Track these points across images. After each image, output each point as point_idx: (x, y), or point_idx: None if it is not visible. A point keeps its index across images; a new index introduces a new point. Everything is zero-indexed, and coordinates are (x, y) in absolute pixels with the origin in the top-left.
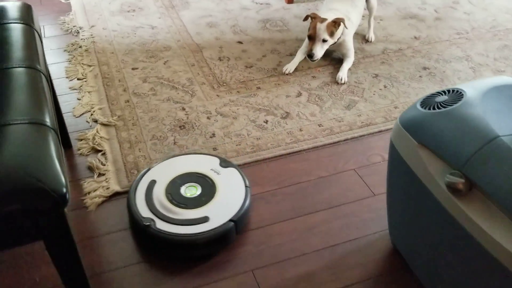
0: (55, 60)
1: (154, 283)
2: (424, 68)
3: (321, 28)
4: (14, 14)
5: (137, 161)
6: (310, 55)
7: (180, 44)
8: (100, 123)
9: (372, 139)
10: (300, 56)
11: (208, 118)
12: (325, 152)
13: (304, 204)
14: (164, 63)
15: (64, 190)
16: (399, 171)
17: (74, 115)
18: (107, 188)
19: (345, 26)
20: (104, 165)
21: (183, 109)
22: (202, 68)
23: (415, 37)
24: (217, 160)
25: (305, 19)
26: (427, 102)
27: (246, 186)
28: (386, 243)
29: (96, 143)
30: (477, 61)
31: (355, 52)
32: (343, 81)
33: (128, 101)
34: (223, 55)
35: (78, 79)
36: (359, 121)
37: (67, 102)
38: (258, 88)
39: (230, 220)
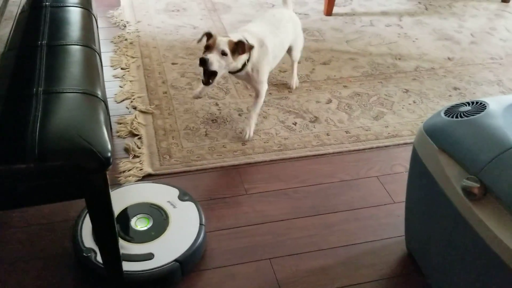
0: (102, 50)
1: None
2: (455, 88)
3: (223, 40)
4: None
5: (169, 147)
6: (203, 61)
7: None
8: (138, 110)
9: (397, 150)
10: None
11: (239, 115)
12: (350, 158)
13: (325, 203)
14: None
15: (109, 153)
16: (419, 174)
17: (116, 101)
18: (140, 169)
19: (249, 46)
20: (139, 148)
21: (216, 104)
22: None
23: (449, 58)
24: (176, 192)
25: (200, 40)
26: (451, 111)
27: (200, 224)
28: (401, 248)
29: (134, 128)
30: (508, 86)
31: (387, 67)
32: (247, 137)
33: (165, 93)
34: None
35: (121, 68)
36: (386, 132)
37: (110, 88)
38: (290, 91)
39: (176, 260)
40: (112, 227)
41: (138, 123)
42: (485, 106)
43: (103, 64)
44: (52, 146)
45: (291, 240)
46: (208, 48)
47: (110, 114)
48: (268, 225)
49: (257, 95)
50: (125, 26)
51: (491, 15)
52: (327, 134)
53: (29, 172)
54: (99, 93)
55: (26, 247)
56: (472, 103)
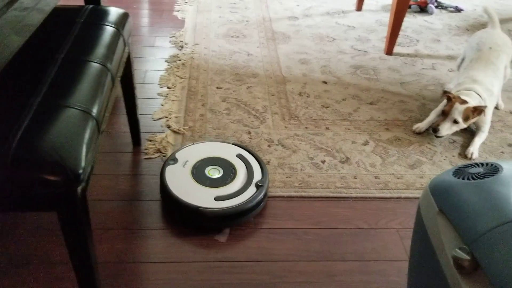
0: (154, 68)
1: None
2: (510, 145)
3: (458, 109)
4: (112, 18)
5: None
6: (434, 129)
7: (268, 74)
8: (171, 130)
9: None
10: (432, 117)
11: (269, 146)
12: (372, 205)
13: (333, 250)
14: (247, 88)
15: (80, 171)
16: (419, 235)
17: (153, 118)
18: None
19: (484, 114)
20: None
21: (249, 132)
22: (280, 99)
23: (511, 112)
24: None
25: (443, 95)
26: (460, 172)
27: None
28: None
29: (162, 146)
30: None
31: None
32: (474, 157)
33: (202, 115)
34: (305, 91)
35: (167, 87)
36: (419, 182)
37: (151, 105)
38: (327, 128)
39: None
40: (83, 247)
41: (167, 142)
42: (498, 170)
43: (152, 82)
44: (25, 155)
45: (287, 284)
46: (444, 114)
47: (144, 130)
48: (268, 264)
49: (479, 132)
50: (182, 47)
51: None
52: (354, 177)
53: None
54: (94, 111)
55: (31, 250)
56: (485, 164)
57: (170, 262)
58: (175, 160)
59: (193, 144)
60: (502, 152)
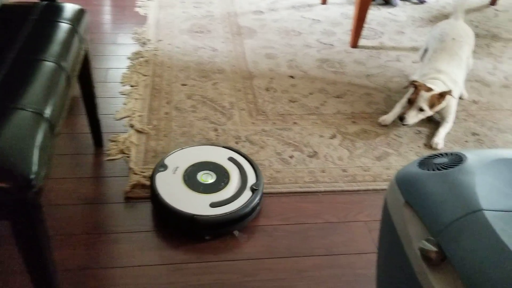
0: (116, 66)
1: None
2: (473, 134)
3: (424, 97)
4: (67, 14)
5: None
6: (401, 118)
7: (234, 69)
8: (134, 129)
9: None
10: (398, 109)
11: (236, 142)
12: (341, 198)
13: (302, 245)
14: (213, 84)
15: (32, 176)
16: (387, 228)
17: (115, 118)
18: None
19: (452, 96)
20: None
21: (216, 130)
22: (247, 95)
23: (474, 101)
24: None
25: (407, 86)
26: (425, 162)
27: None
28: None
29: (125, 147)
30: None
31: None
32: (439, 147)
33: (167, 113)
34: (271, 86)
35: (130, 85)
36: (386, 174)
37: (113, 105)
38: (295, 123)
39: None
40: (39, 256)
41: (131, 142)
42: (462, 160)
43: (114, 80)
44: None
45: (257, 282)
46: (410, 102)
47: (106, 130)
48: (239, 263)
49: (444, 123)
50: (145, 44)
51: None
52: (323, 171)
53: None
54: (47, 112)
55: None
56: (450, 154)
57: (137, 266)
58: (164, 167)
59: (182, 149)
60: (466, 141)
